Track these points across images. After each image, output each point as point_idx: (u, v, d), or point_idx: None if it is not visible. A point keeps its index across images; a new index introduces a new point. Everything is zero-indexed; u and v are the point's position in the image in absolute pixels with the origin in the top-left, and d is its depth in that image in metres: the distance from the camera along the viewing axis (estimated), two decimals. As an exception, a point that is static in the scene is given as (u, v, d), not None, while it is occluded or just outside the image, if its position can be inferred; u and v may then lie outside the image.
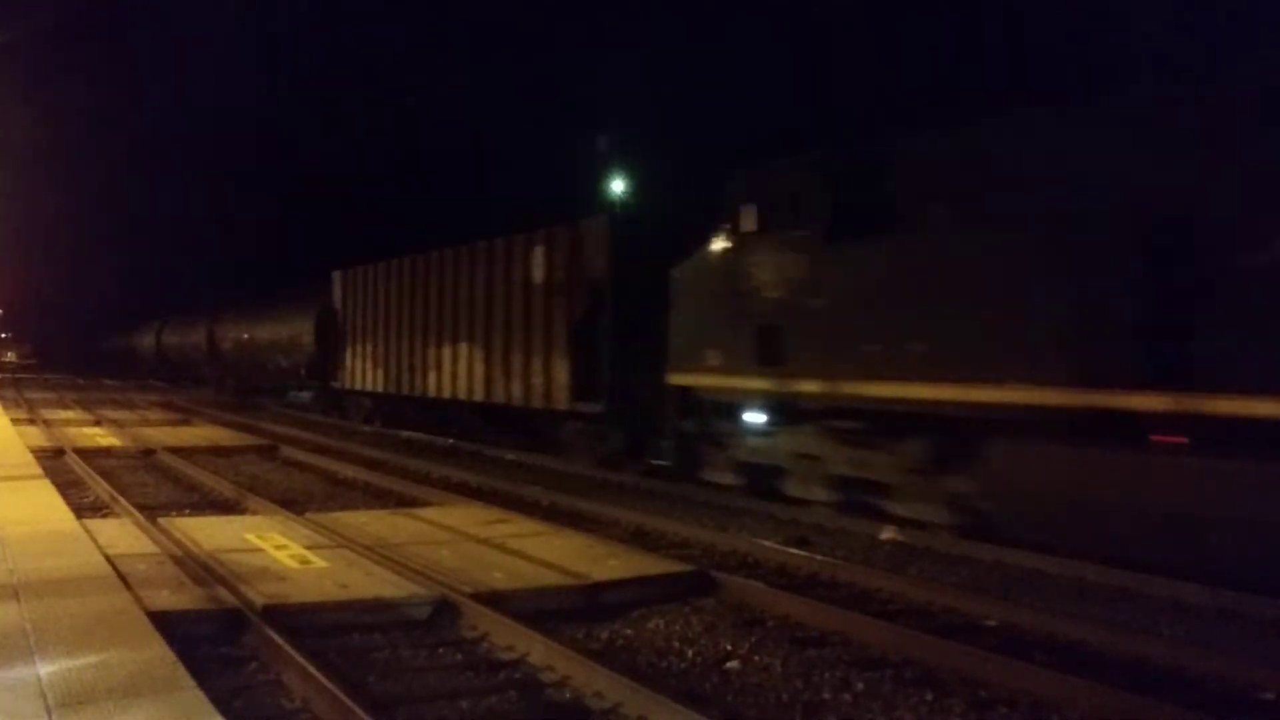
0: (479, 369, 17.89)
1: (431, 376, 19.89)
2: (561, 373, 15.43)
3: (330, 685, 5.10)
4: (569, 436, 16.07)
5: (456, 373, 18.81)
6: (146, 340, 48.11)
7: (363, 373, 23.53)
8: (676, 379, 12.75)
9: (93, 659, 4.95)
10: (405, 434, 20.74)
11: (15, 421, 19.99)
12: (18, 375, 50.14)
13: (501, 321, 17.20)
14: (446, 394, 19.26)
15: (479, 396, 17.92)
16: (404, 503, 11.93)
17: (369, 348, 23.13)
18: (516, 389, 16.64)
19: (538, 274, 16.04)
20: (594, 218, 15.40)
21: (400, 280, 21.65)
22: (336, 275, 25.52)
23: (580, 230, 15.32)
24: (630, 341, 14.12)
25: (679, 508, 11.77)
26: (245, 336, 32.33)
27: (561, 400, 15.44)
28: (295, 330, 27.45)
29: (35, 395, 31.56)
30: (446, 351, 19.26)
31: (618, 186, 31.80)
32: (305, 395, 29.07)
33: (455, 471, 14.73)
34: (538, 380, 16.02)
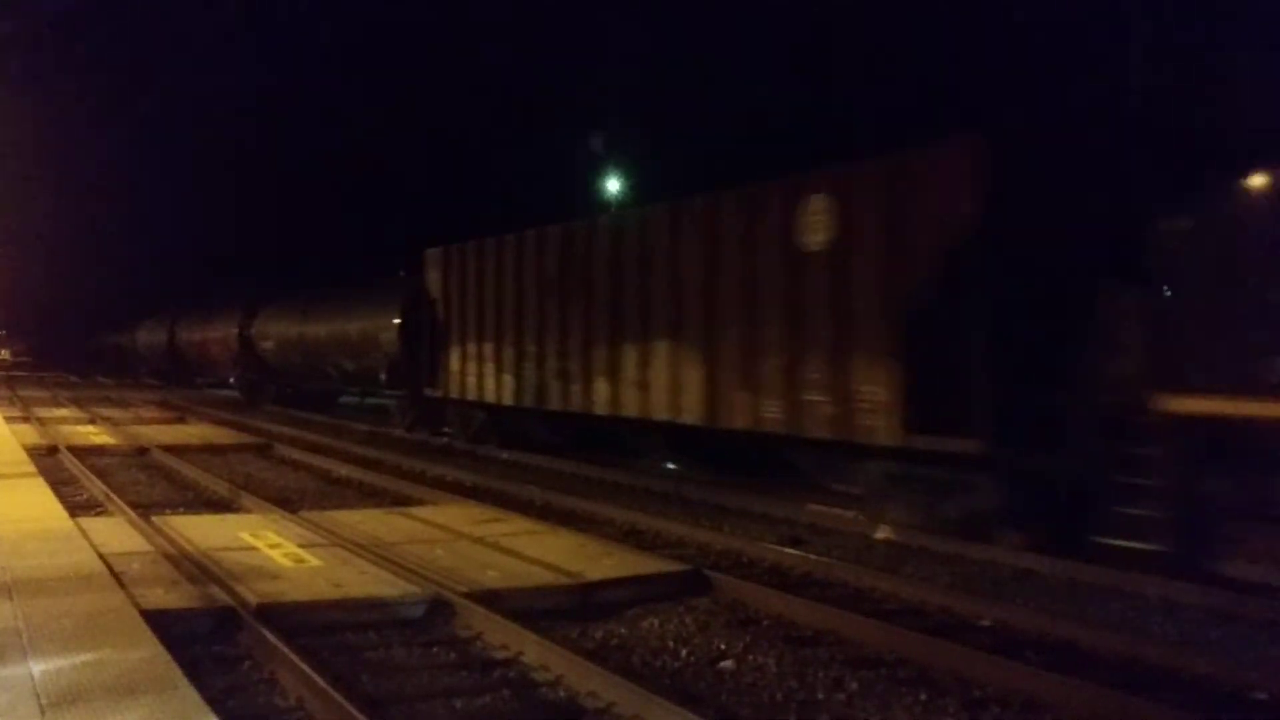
0: (692, 377, 12.40)
1: (599, 387, 14.23)
2: (878, 384, 9.91)
3: (324, 684, 5.10)
4: (894, 492, 10.16)
5: (649, 382, 13.19)
6: (156, 337, 42.47)
7: (476, 378, 17.70)
8: (1185, 405, 7.96)
9: (86, 658, 4.94)
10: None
11: (9, 419, 19.95)
12: (12, 373, 50.03)
13: (738, 309, 11.72)
14: (629, 411, 13.62)
15: (692, 416, 12.42)
16: (398, 501, 11.92)
17: (485, 346, 17.44)
18: (773, 408, 11.12)
19: (813, 235, 10.81)
20: (944, 142, 9.83)
21: (542, 257, 15.85)
22: (432, 255, 19.48)
23: (908, 163, 9.98)
24: (1023, 336, 8.94)
25: (674, 507, 11.77)
26: (295, 334, 26.82)
27: (881, 429, 9.85)
28: (371, 325, 22.15)
29: (29, 393, 31.49)
30: (628, 352, 13.66)
31: (613, 186, 31.82)
32: (388, 404, 23.52)
33: (450, 470, 14.72)
34: (818, 397, 10.59)
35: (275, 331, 28.56)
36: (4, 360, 69.21)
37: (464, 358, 18.18)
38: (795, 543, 9.62)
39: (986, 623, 6.99)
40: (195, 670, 5.00)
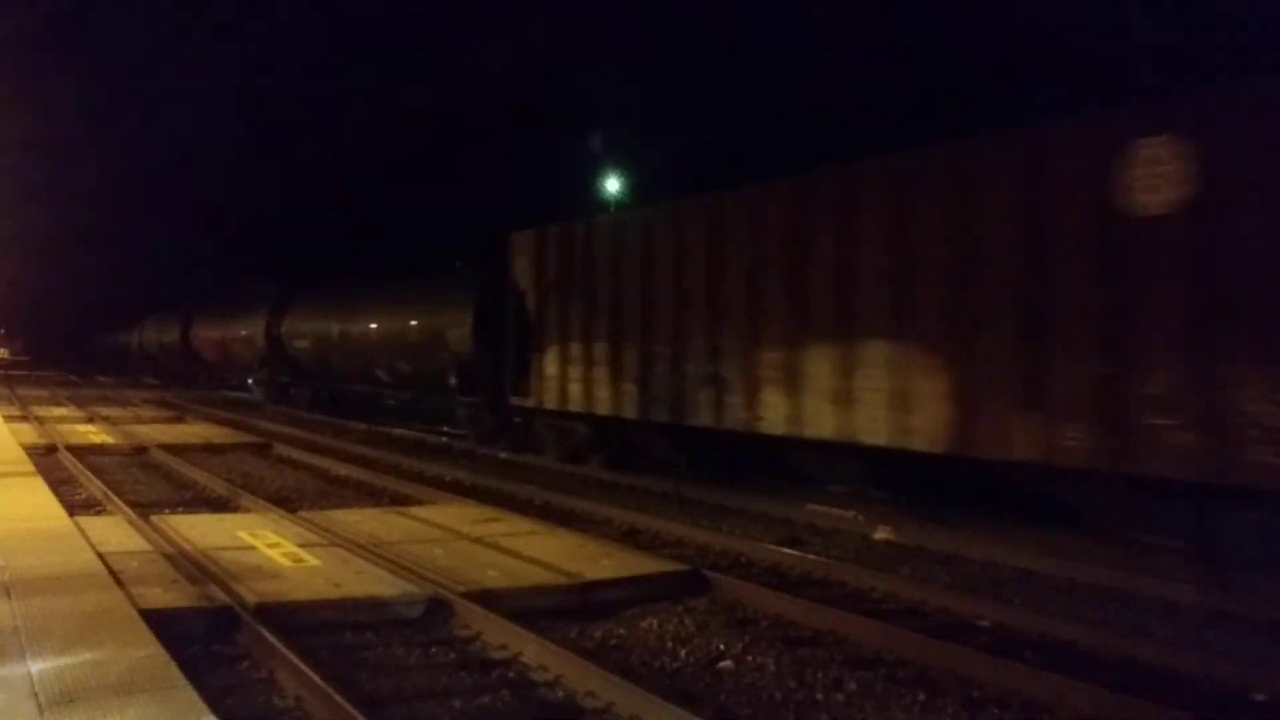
0: (927, 389, 9.54)
1: (769, 400, 11.28)
2: None
3: (323, 684, 5.10)
4: None
5: (853, 394, 10.27)
6: (166, 336, 39.47)
7: (582, 385, 14.63)
8: None
9: (85, 657, 4.94)
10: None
11: (8, 418, 19.93)
12: (10, 372, 50.01)
13: (1008, 298, 8.94)
14: (819, 431, 10.68)
15: (926, 441, 9.56)
16: (397, 501, 11.92)
17: (596, 348, 14.38)
18: (1077, 435, 8.32)
19: (1149, 195, 7.91)
20: None
21: (682, 235, 12.89)
22: (522, 239, 16.46)
23: None
24: None
25: (672, 507, 11.77)
26: (335, 332, 23.80)
27: None
28: (436, 322, 18.85)
29: (28, 392, 31.46)
30: (817, 355, 10.73)
31: (613, 186, 31.81)
32: (462, 412, 18.97)
33: (448, 470, 14.71)
34: (1166, 420, 7.73)
35: (310, 330, 25.57)
36: (3, 359, 69.20)
37: (565, 360, 15.01)
38: (794, 543, 9.61)
39: (985, 623, 6.99)
40: (194, 669, 4.99)
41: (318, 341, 25.11)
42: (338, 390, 25.97)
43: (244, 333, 30.14)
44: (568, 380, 15.03)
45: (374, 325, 21.98)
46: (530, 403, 15.93)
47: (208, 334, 34.61)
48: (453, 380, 18.28)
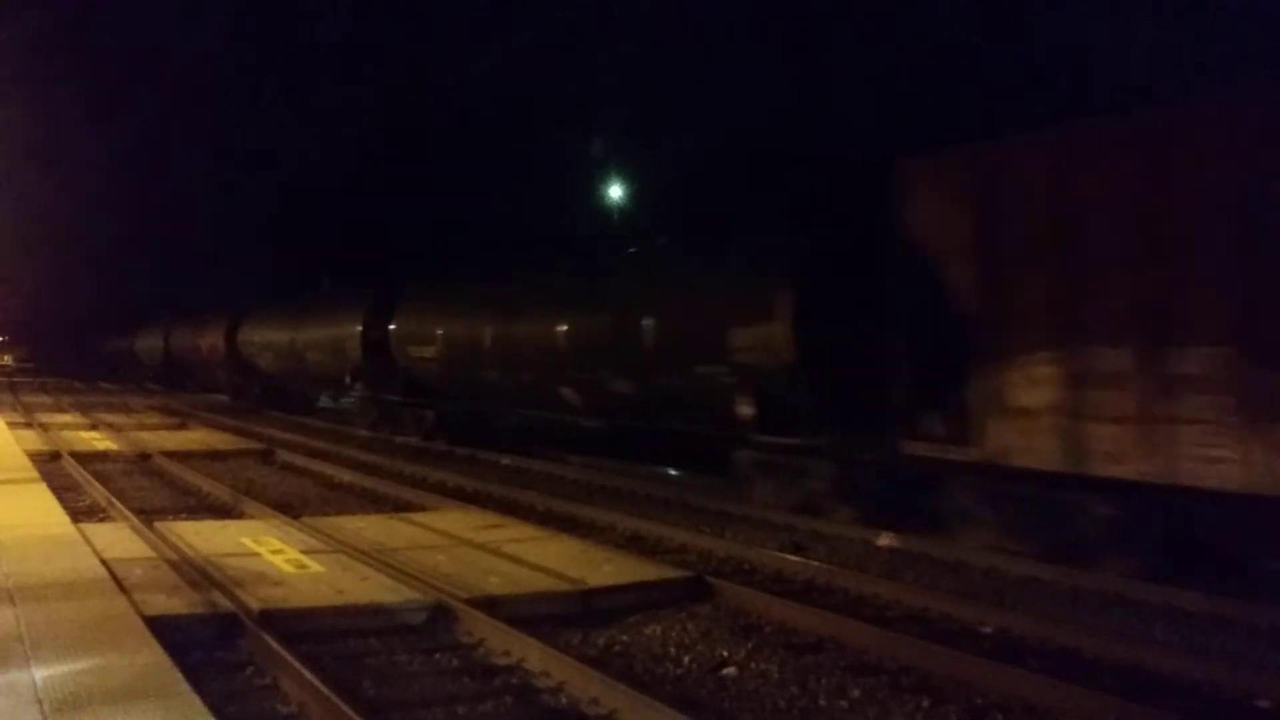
0: None
1: None
2: None
3: (326, 690, 5.10)
4: None
5: None
6: (205, 340, 33.46)
7: (1121, 431, 8.11)
8: None
9: (88, 663, 4.95)
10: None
11: (11, 425, 19.96)
12: (14, 379, 50.08)
13: None
14: None
15: None
16: (400, 508, 11.92)
17: (1165, 358, 7.87)
18: None
19: None
20: None
21: None
22: (936, 166, 10.01)
23: None
24: None
25: (675, 513, 11.76)
26: (488, 337, 16.84)
27: None
28: (707, 314, 11.90)
29: (32, 399, 31.51)
30: None
31: (615, 192, 31.84)
32: (765, 460, 11.63)
33: (451, 476, 14.71)
34: None
35: (461, 332, 17.81)
36: (7, 365, 69.30)
37: (1074, 379, 8.49)
38: (797, 549, 9.60)
39: (988, 629, 6.98)
40: (197, 676, 5.00)
41: (453, 348, 18.13)
42: (485, 414, 18.89)
43: (325, 334, 23.53)
44: (1083, 416, 8.43)
45: (562, 326, 14.69)
46: (970, 454, 9.27)
47: (260, 337, 28.23)
48: (745, 410, 11.30)
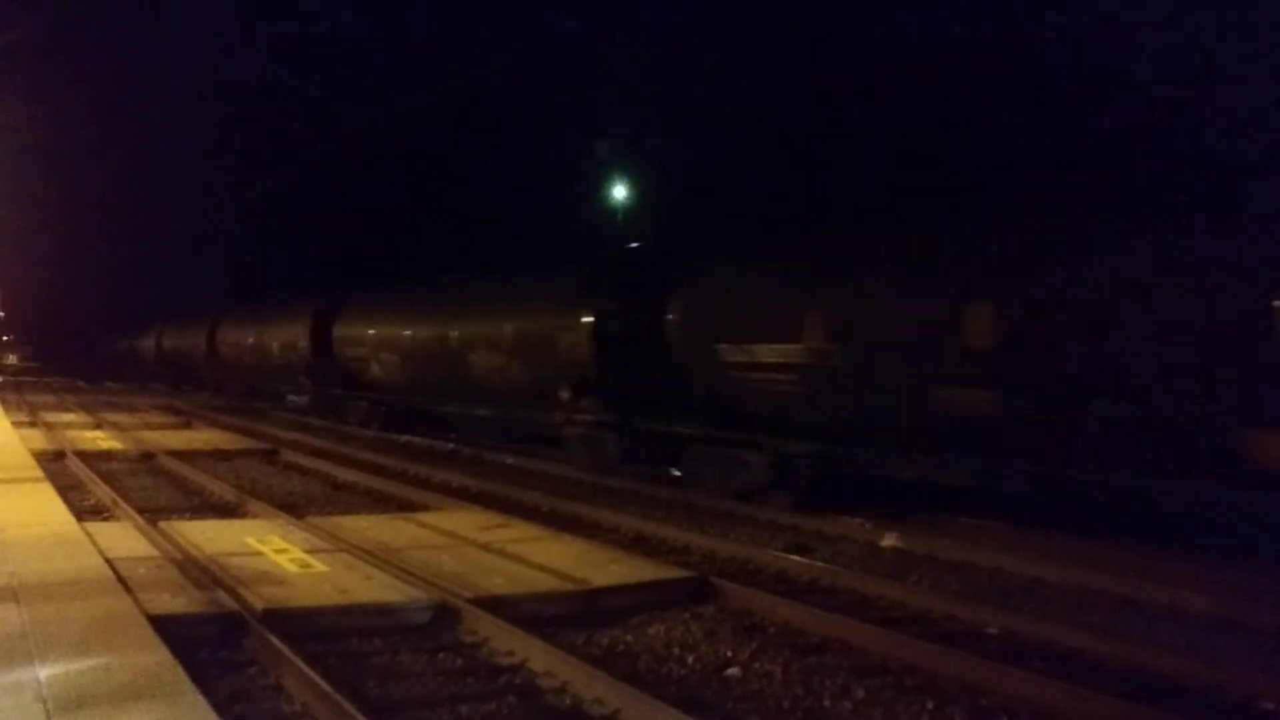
0: None
1: None
2: None
3: (330, 690, 5.10)
4: None
5: None
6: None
7: None
8: None
9: (93, 662, 4.95)
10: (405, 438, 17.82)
11: (16, 424, 20.00)
12: (19, 378, 50.17)
13: None
14: None
15: None
16: (404, 507, 11.92)
17: None
18: None
19: None
20: None
21: None
22: None
23: None
24: None
25: (679, 513, 11.76)
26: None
27: None
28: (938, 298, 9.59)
29: (37, 398, 31.57)
30: None
31: (619, 193, 31.83)
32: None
33: (455, 476, 14.71)
34: None
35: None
36: (11, 365, 69.42)
37: None
38: (801, 550, 9.59)
39: (994, 631, 6.97)
40: (202, 675, 5.01)
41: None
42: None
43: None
44: None
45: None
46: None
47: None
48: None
